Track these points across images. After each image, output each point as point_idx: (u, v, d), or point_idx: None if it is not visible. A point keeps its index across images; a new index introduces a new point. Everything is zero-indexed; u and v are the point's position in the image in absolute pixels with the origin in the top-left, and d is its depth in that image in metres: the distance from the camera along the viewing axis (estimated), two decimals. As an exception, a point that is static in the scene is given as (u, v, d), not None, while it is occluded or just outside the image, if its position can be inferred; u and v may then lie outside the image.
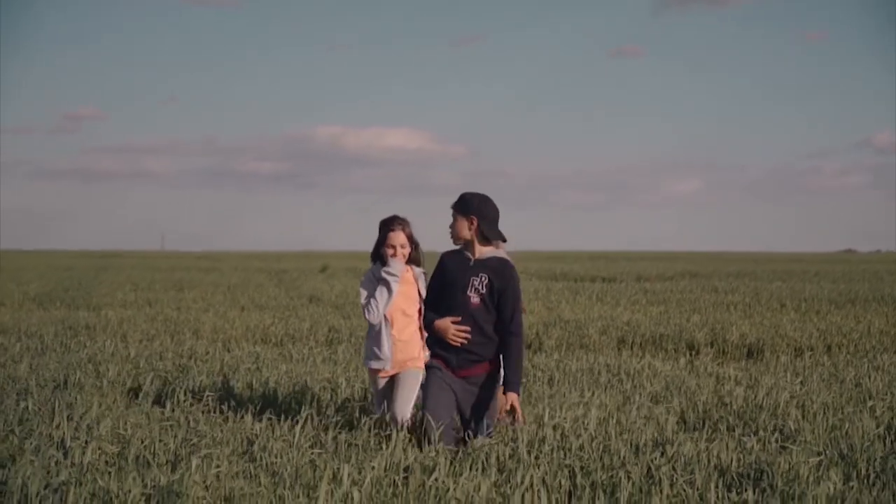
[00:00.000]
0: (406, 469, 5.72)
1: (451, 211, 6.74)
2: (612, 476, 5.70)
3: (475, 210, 6.59)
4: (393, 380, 7.21)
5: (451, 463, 5.89)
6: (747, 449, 6.52)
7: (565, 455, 6.22)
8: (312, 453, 6.20)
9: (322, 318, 17.18)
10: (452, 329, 6.56)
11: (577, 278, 35.32)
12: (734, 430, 7.33)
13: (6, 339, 13.16)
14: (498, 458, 6.02)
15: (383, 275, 7.18)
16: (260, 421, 7.08)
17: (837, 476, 5.72)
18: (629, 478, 5.63)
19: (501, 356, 6.61)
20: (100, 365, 10.19)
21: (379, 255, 7.28)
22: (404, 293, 7.24)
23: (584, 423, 7.18)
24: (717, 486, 5.53)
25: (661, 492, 5.39)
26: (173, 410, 7.74)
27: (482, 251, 6.64)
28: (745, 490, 5.49)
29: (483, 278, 6.56)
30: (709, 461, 6.15)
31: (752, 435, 7.09)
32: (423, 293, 7.19)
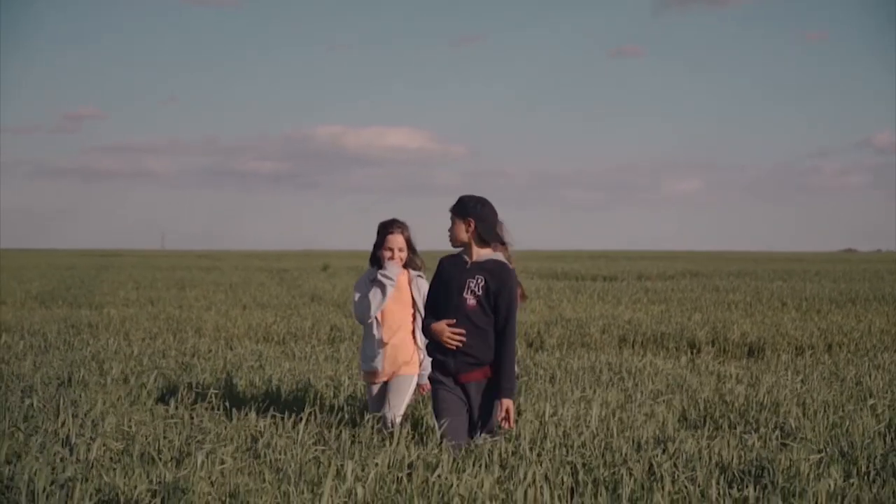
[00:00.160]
0: (410, 466, 5.76)
1: (449, 214, 6.73)
2: (614, 473, 5.74)
3: (472, 212, 6.57)
4: (386, 385, 7.26)
5: (454, 460, 5.92)
6: (748, 446, 6.56)
7: (567, 452, 6.26)
8: (316, 450, 6.23)
9: (324, 316, 17.22)
10: (447, 332, 6.52)
11: (579, 277, 35.36)
12: (735, 428, 7.37)
13: (9, 338, 13.20)
14: (500, 455, 6.06)
15: (379, 277, 7.20)
16: (264, 418, 7.12)
17: (838, 473, 5.75)
18: (631, 475, 5.67)
19: (495, 360, 6.53)
20: (103, 363, 10.23)
21: (377, 258, 7.30)
22: (397, 297, 7.26)
23: (585, 420, 7.22)
24: (718, 483, 5.56)
25: (662, 488, 5.43)
26: (177, 408, 7.79)
27: (480, 253, 6.62)
28: (747, 487, 5.53)
29: (479, 280, 6.53)
30: (710, 458, 6.19)
31: (753, 432, 7.13)
32: (420, 297, 7.21)
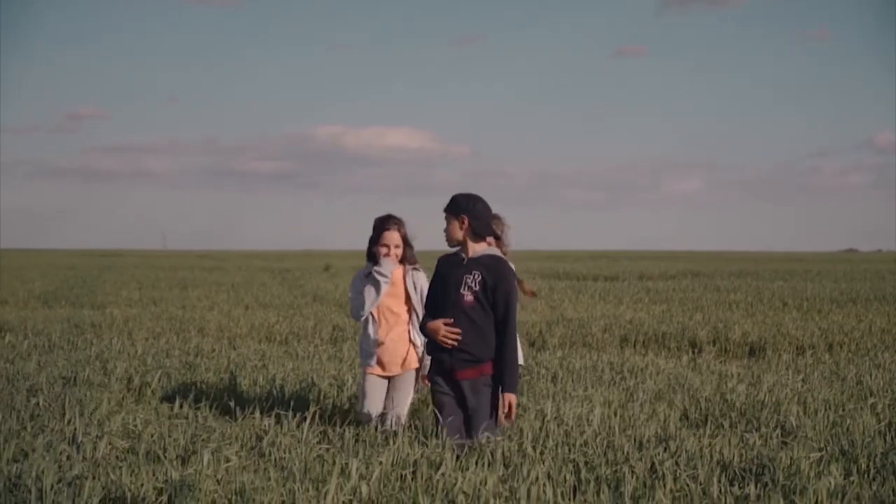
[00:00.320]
0: (414, 464, 5.81)
1: (444, 214, 6.72)
2: (616, 471, 5.79)
3: (465, 209, 6.59)
4: (383, 381, 7.27)
5: (458, 458, 5.97)
6: (749, 445, 6.61)
7: (570, 450, 6.30)
8: (320, 449, 6.28)
9: (326, 316, 17.27)
10: (443, 330, 6.53)
11: (580, 277, 35.41)
12: (736, 427, 7.42)
13: (13, 337, 13.26)
14: (503, 453, 6.11)
15: (373, 274, 7.23)
16: (269, 417, 7.16)
17: (838, 471, 5.80)
18: (633, 473, 5.72)
19: (496, 356, 6.52)
20: (107, 362, 10.28)
21: (373, 254, 7.31)
22: (392, 293, 7.28)
23: (587, 419, 7.27)
24: (719, 481, 5.61)
25: (664, 486, 5.48)
26: (182, 406, 7.84)
27: (475, 249, 6.63)
28: (748, 484, 5.57)
29: (476, 276, 6.54)
30: (711, 456, 6.23)
31: (754, 431, 7.18)
32: (415, 292, 7.24)
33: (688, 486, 5.53)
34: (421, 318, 6.94)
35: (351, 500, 5.25)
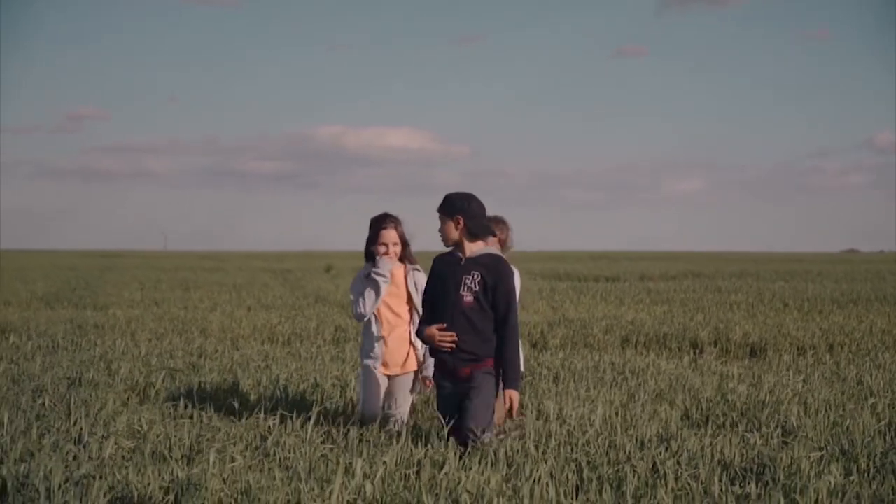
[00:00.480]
0: (418, 463, 5.85)
1: (437, 214, 6.70)
2: (618, 470, 5.84)
3: (459, 209, 6.57)
4: (383, 378, 7.26)
5: (461, 458, 6.02)
6: (750, 444, 6.66)
7: (572, 450, 6.35)
8: (325, 448, 6.33)
9: (328, 317, 17.32)
10: (438, 336, 6.53)
11: (581, 278, 35.45)
12: (737, 427, 7.46)
13: (17, 338, 13.31)
14: (506, 453, 6.16)
15: (372, 275, 7.22)
16: (273, 417, 7.21)
17: (838, 470, 5.85)
18: (635, 472, 5.76)
19: (498, 354, 6.54)
20: (111, 363, 10.33)
21: (370, 254, 7.28)
22: (394, 293, 7.27)
23: (589, 419, 7.31)
24: (720, 480, 5.66)
25: (666, 485, 5.52)
26: (186, 407, 7.89)
27: (472, 249, 6.62)
28: (749, 484, 5.62)
29: (475, 276, 6.53)
30: (712, 456, 6.28)
31: (754, 431, 7.23)
32: (416, 292, 7.21)
33: (689, 485, 5.57)
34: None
35: (355, 500, 5.30)
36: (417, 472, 5.69)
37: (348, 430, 6.81)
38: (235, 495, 5.32)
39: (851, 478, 5.80)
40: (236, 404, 8.02)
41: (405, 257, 7.32)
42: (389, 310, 7.28)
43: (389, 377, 7.31)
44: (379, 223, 7.27)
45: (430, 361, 7.07)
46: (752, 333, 14.13)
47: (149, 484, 5.43)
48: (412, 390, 7.37)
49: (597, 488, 5.54)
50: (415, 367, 7.34)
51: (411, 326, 7.30)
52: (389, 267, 7.23)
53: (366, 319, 7.30)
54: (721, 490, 5.50)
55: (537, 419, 7.33)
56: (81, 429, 6.87)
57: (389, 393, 7.30)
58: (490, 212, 6.88)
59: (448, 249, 6.73)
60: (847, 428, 7.21)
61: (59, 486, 5.35)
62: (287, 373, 9.81)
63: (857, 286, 27.05)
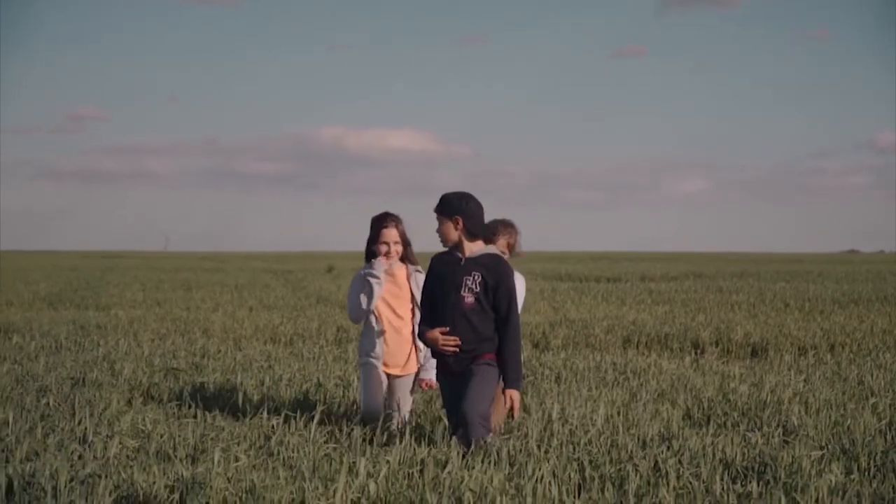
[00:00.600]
0: (421, 462, 5.89)
1: (435, 215, 6.68)
2: (620, 469, 5.87)
3: (458, 210, 6.55)
4: (384, 376, 7.21)
5: (463, 457, 6.05)
6: (751, 443, 6.69)
7: (574, 449, 6.38)
8: (328, 448, 6.37)
9: (330, 317, 17.35)
10: (441, 339, 6.52)
11: (582, 279, 35.49)
12: (738, 426, 7.49)
13: (21, 339, 13.35)
14: (509, 452, 6.19)
15: (366, 276, 7.17)
16: (278, 417, 7.24)
17: (839, 469, 5.88)
18: (637, 471, 5.80)
19: (499, 353, 6.55)
20: (115, 363, 10.37)
21: (371, 253, 7.23)
22: (395, 293, 7.22)
23: (591, 418, 7.35)
24: (722, 479, 5.69)
25: (667, 484, 5.55)
26: (190, 407, 7.92)
27: (472, 249, 6.60)
28: (750, 482, 5.65)
29: (476, 276, 6.51)
30: (714, 455, 6.32)
31: (756, 430, 7.26)
32: (419, 293, 7.12)
33: (691, 483, 5.61)
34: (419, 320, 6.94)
35: (359, 498, 5.33)
36: (421, 471, 5.73)
37: (352, 430, 6.84)
38: (240, 494, 5.35)
39: (852, 476, 5.84)
40: (240, 404, 8.05)
41: (406, 257, 7.28)
42: (391, 310, 7.24)
43: (390, 377, 7.28)
44: (380, 222, 7.23)
45: (432, 363, 7.08)
46: (754, 333, 14.16)
47: (154, 483, 5.46)
48: (412, 391, 7.38)
49: (599, 487, 5.58)
50: (415, 369, 7.32)
51: (414, 324, 7.29)
52: (383, 268, 7.17)
53: (364, 320, 7.26)
54: (722, 488, 5.53)
55: (540, 418, 7.36)
56: (86, 428, 6.91)
57: (391, 393, 7.28)
58: (490, 213, 6.86)
59: (444, 249, 6.72)
60: (848, 427, 7.24)
61: (66, 485, 5.38)
62: (290, 373, 9.85)
63: (858, 286, 27.08)
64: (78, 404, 7.76)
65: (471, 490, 5.31)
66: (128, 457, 6.28)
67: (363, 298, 7.17)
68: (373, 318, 7.23)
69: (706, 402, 8.36)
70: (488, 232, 6.73)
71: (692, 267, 47.30)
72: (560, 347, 13.62)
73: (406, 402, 7.30)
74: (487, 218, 7.09)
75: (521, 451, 6.26)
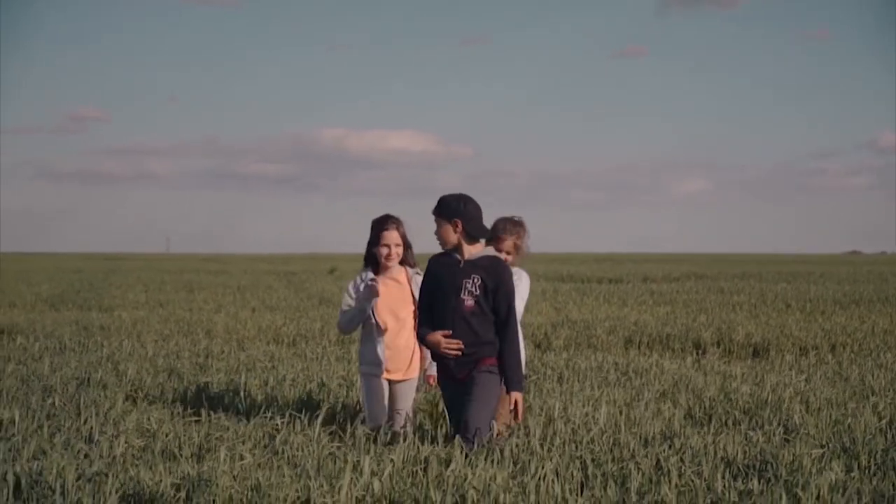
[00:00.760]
0: (425, 461, 5.93)
1: (433, 217, 6.65)
2: (622, 467, 5.91)
3: (456, 212, 6.52)
4: (385, 384, 7.12)
5: (467, 456, 6.09)
6: (752, 442, 6.74)
7: (577, 448, 6.43)
8: (333, 446, 6.41)
9: (332, 318, 17.37)
10: (444, 342, 6.51)
11: (584, 280, 35.52)
12: (740, 425, 7.53)
13: (24, 340, 13.40)
14: (512, 451, 6.23)
15: (360, 286, 7.10)
16: (282, 416, 7.27)
17: (839, 467, 5.93)
18: (639, 469, 5.84)
19: (500, 356, 6.54)
20: (118, 364, 10.42)
21: (372, 256, 7.16)
22: (396, 296, 7.13)
23: (594, 417, 7.39)
24: (723, 477, 5.74)
25: (669, 482, 5.59)
26: (194, 406, 7.97)
27: (471, 251, 6.57)
28: (751, 480, 5.70)
29: (476, 279, 6.49)
30: (715, 453, 6.36)
31: (757, 429, 7.30)
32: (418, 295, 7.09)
33: (692, 481, 5.65)
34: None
35: (364, 496, 5.37)
36: (424, 469, 5.77)
37: (355, 429, 6.88)
38: (246, 492, 5.39)
39: (852, 474, 5.88)
40: (245, 403, 8.10)
41: (406, 260, 7.20)
42: (392, 314, 7.13)
43: (391, 383, 7.17)
44: (381, 224, 7.15)
45: (433, 364, 7.07)
46: (755, 334, 14.21)
47: (160, 481, 5.51)
48: (417, 389, 7.38)
49: (601, 485, 5.62)
50: (417, 373, 7.27)
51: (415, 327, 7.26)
52: (369, 277, 7.08)
53: (367, 322, 7.17)
54: (724, 486, 5.58)
55: (542, 417, 7.40)
56: (92, 428, 6.96)
57: (393, 398, 7.17)
58: (490, 213, 6.81)
59: (442, 251, 6.70)
60: (848, 426, 7.28)
61: (73, 484, 5.43)
62: (293, 373, 9.89)
63: (860, 287, 27.12)
64: (83, 404, 7.81)
65: (474, 488, 5.36)
66: (134, 456, 6.33)
67: (353, 310, 7.10)
68: (373, 323, 7.13)
69: (708, 402, 8.40)
70: (488, 233, 6.73)
71: (694, 268, 47.32)
72: (562, 348, 13.67)
73: (408, 406, 7.22)
74: (495, 216, 7.10)
75: (524, 449, 6.30)
